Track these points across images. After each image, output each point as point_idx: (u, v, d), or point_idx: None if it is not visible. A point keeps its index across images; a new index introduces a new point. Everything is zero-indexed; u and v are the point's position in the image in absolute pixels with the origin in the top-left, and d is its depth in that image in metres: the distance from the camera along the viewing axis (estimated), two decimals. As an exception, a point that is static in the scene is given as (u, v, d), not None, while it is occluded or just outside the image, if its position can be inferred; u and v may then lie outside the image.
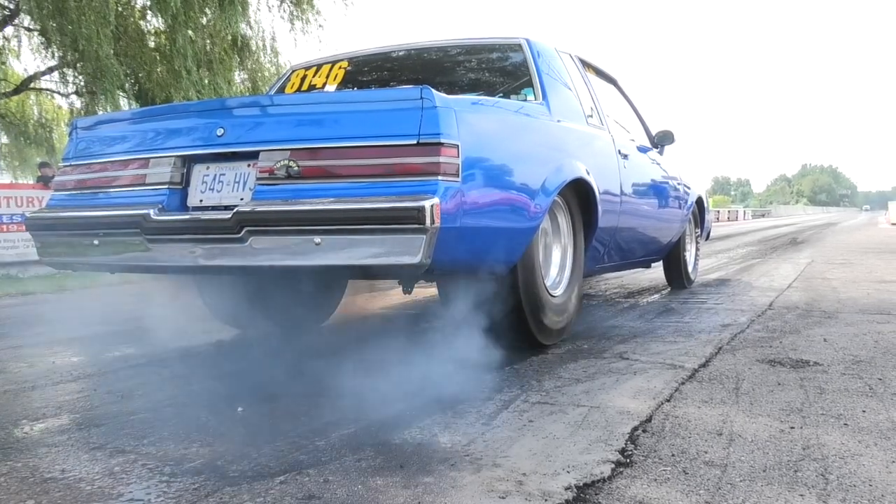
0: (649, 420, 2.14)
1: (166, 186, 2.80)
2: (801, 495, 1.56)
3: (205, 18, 15.89)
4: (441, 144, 2.41)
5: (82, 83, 17.57)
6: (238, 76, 18.82)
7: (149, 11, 15.98)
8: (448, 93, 2.62)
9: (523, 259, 2.94)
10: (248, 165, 2.69)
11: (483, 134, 2.70)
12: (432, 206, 2.30)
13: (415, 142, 2.42)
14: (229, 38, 16.48)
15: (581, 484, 1.64)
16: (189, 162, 2.82)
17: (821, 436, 1.97)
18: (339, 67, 4.16)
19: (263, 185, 2.58)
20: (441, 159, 2.40)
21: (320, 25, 17.50)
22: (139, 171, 2.89)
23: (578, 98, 3.84)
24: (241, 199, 2.64)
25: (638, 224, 4.30)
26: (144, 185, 2.86)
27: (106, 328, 4.33)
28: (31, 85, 17.84)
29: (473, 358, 2.78)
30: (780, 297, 5.02)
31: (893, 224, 22.14)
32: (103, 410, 2.42)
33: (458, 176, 2.45)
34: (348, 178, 2.48)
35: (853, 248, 10.79)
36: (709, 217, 6.31)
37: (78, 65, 15.29)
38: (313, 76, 4.19)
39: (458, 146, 2.46)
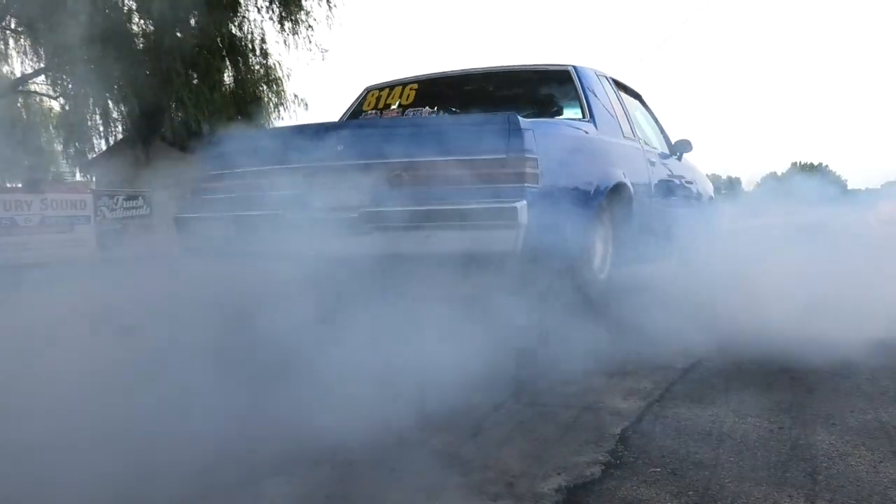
0: (640, 421, 2.16)
1: (293, 192, 3.41)
2: (790, 496, 1.58)
3: (193, 20, 15.84)
4: (525, 158, 3.11)
5: (70, 86, 17.50)
6: (227, 77, 18.78)
7: (135, 13, 15.92)
8: (507, 110, 3.31)
9: (580, 247, 3.50)
10: (363, 174, 3.30)
11: (553, 149, 3.36)
12: (522, 206, 3.00)
13: (504, 156, 3.12)
14: (218, 39, 16.43)
15: (571, 486, 1.65)
16: (310, 172, 3.43)
17: (809, 436, 1.99)
18: (411, 89, 4.83)
19: (380, 190, 3.24)
20: (526, 170, 3.10)
21: (309, 26, 17.47)
22: (270, 179, 3.53)
23: (615, 115, 4.46)
24: (360, 202, 3.26)
25: (662, 221, 4.72)
26: (275, 190, 3.47)
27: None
28: (19, 88, 17.74)
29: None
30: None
31: (882, 221, 22.12)
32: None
33: (538, 183, 3.13)
34: (449, 185, 3.13)
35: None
36: (719, 213, 6.84)
37: (66, 67, 15.21)
38: (387, 96, 4.85)
39: (537, 159, 3.14)
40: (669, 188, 5.02)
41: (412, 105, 4.64)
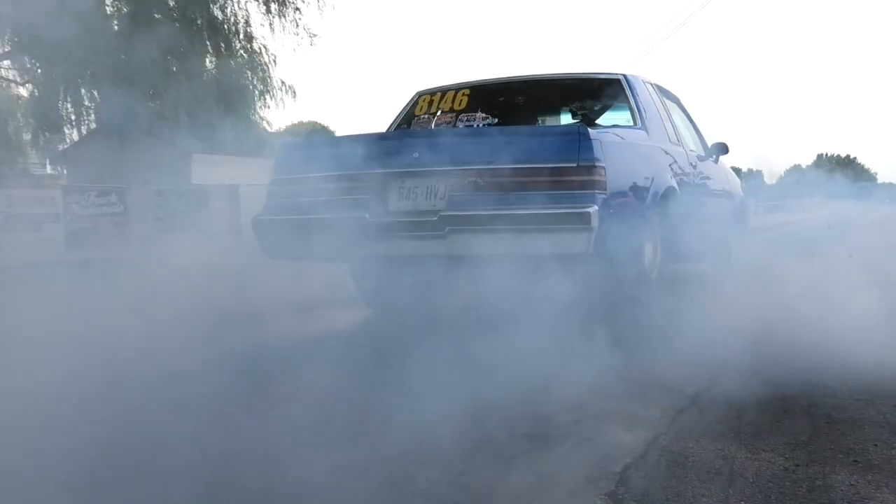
0: (643, 457, 2.13)
1: (371, 196, 3.92)
2: (804, 547, 1.54)
3: (171, 0, 15.80)
4: (595, 167, 3.56)
5: (39, 71, 17.44)
6: (209, 62, 18.74)
7: (111, -7, 15.88)
8: (558, 117, 4.18)
9: (638, 248, 3.97)
10: (438, 180, 3.81)
11: (617, 158, 3.81)
12: (594, 211, 3.46)
13: (575, 165, 3.57)
14: (199, 22, 16.38)
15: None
16: (388, 177, 3.93)
17: (828, 475, 1.96)
18: (463, 94, 5.18)
19: (456, 195, 3.75)
20: (596, 178, 3.55)
21: (297, 8, 17.43)
22: (349, 184, 3.98)
23: (662, 122, 4.92)
24: (435, 206, 3.78)
25: (702, 222, 5.07)
26: (354, 194, 3.95)
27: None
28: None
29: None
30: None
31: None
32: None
33: (606, 190, 3.58)
34: (524, 191, 3.58)
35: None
36: (750, 213, 7.59)
37: (34, 50, 15.15)
38: (439, 101, 5.21)
39: (605, 167, 3.59)
40: (709, 190, 5.50)
41: (465, 110, 5.04)
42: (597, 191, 3.55)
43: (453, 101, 5.18)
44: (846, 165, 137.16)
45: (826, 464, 2.05)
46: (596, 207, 3.47)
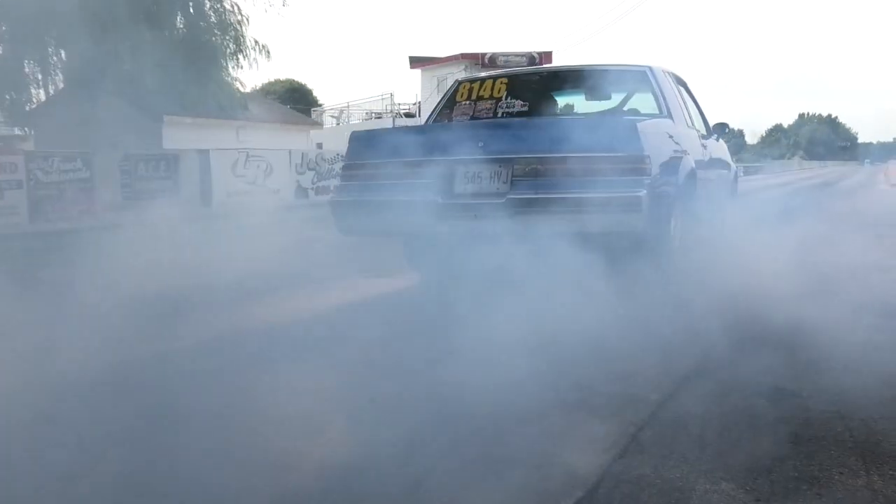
0: (596, 489, 2.00)
1: (438, 180, 4.41)
2: None
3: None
4: (644, 156, 4.16)
5: (2, 28, 16.89)
6: (179, 21, 18.23)
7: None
8: (587, 103, 5.03)
9: (672, 223, 4.58)
10: (502, 166, 4.33)
11: (657, 146, 4.41)
12: (644, 195, 4.05)
13: (626, 154, 4.15)
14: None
15: None
16: (454, 163, 4.43)
17: (789, 514, 1.84)
18: (501, 82, 5.69)
19: (519, 180, 4.29)
20: (644, 166, 4.14)
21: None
22: (418, 169, 4.48)
23: (681, 109, 5.48)
24: (499, 190, 4.31)
25: (711, 194, 5.79)
26: (423, 178, 4.43)
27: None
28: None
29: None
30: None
31: (893, 186, 22.07)
32: None
33: (650, 176, 4.15)
34: (578, 176, 4.12)
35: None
36: (738, 182, 8.21)
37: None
38: (479, 89, 5.71)
39: (650, 156, 4.19)
40: (714, 166, 6.11)
41: (503, 98, 5.55)
42: (644, 177, 4.12)
43: (492, 89, 5.66)
44: (828, 125, 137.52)
45: (789, 496, 1.93)
46: (645, 192, 4.06)
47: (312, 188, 16.99)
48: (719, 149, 6.55)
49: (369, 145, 4.92)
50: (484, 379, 2.86)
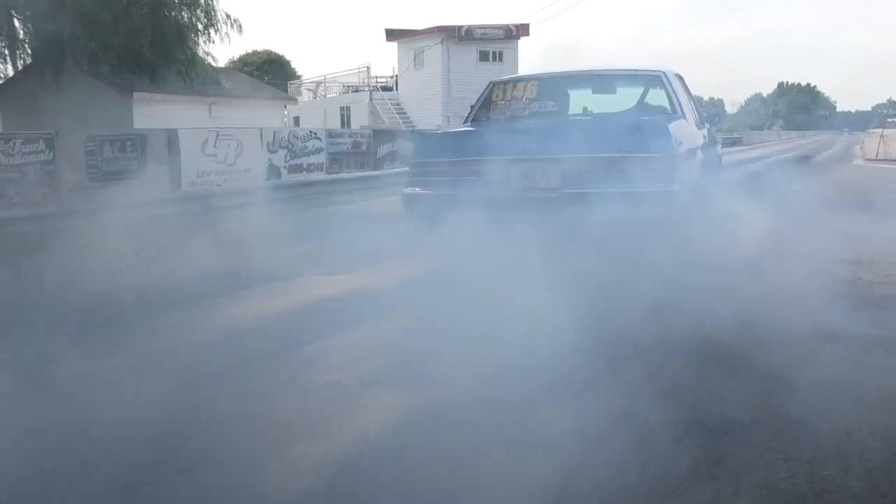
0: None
1: (499, 175, 5.09)
2: None
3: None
4: (674, 156, 4.93)
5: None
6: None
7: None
8: (608, 103, 5.97)
9: (689, 205, 5.19)
10: (553, 164, 5.04)
11: (681, 142, 5.21)
12: (676, 190, 4.85)
13: (660, 154, 4.85)
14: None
15: None
16: (510, 162, 5.12)
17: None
18: (532, 84, 6.32)
19: (568, 177, 4.96)
20: (674, 164, 4.89)
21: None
22: (481, 167, 5.15)
23: (688, 107, 6.24)
24: (550, 185, 5.05)
25: (706, 172, 6.33)
26: (483, 174, 5.11)
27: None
28: None
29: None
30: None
31: (870, 160, 21.99)
32: None
33: (679, 170, 4.92)
34: (618, 171, 4.81)
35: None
36: (721, 160, 8.94)
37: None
38: (512, 90, 6.38)
39: (679, 155, 5.01)
40: (709, 152, 6.77)
41: (536, 99, 6.23)
42: (675, 172, 4.89)
43: (525, 91, 6.28)
44: (807, 94, 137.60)
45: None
46: (677, 186, 4.85)
47: (285, 167, 16.66)
48: (711, 136, 7.47)
49: (434, 146, 5.93)
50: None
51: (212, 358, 3.58)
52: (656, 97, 6.11)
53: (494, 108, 6.31)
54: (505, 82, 6.55)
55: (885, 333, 3.72)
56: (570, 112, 6.36)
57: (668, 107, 5.94)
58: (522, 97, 6.22)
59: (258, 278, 5.39)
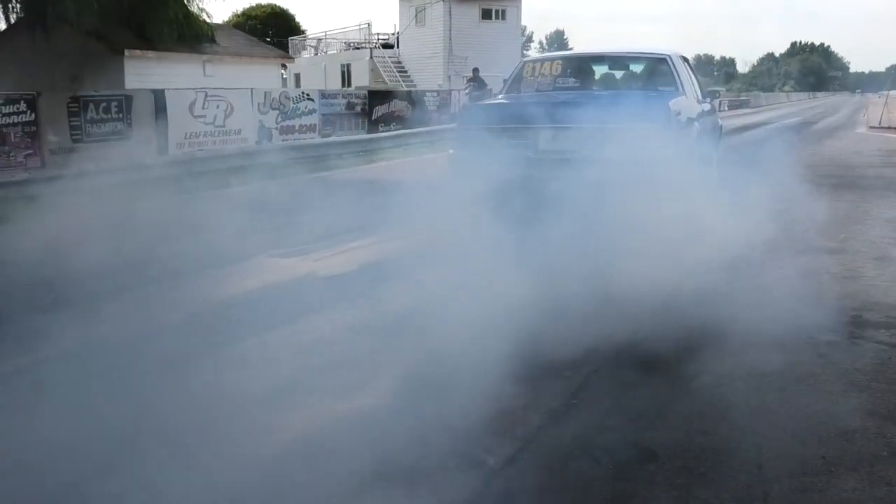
0: None
1: (528, 140, 6.02)
2: None
3: None
4: (673, 127, 5.84)
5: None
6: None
7: None
8: (620, 81, 7.29)
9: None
10: (573, 130, 5.84)
11: (680, 116, 6.14)
12: (672, 154, 5.52)
13: (663, 126, 5.70)
14: None
15: None
16: (537, 129, 5.93)
17: None
18: (557, 63, 7.49)
19: (583, 142, 5.69)
20: (674, 133, 5.76)
21: None
22: (512, 133, 6.14)
23: (689, 85, 7.24)
24: (570, 147, 5.78)
25: (707, 141, 7.23)
26: (519, 139, 6.07)
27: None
28: None
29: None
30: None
31: (873, 128, 21.40)
32: None
33: (676, 140, 5.75)
34: (632, 140, 5.41)
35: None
36: (722, 131, 9.60)
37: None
38: (540, 68, 7.50)
39: (678, 127, 5.94)
40: (707, 123, 7.54)
41: (560, 75, 7.29)
42: (673, 138, 5.70)
43: (551, 68, 7.38)
44: (820, 54, 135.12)
45: None
46: (674, 150, 5.57)
47: (276, 128, 16.41)
48: (711, 109, 8.14)
49: (474, 115, 7.28)
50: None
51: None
52: (662, 76, 7.05)
53: (524, 82, 7.40)
54: (534, 61, 7.88)
55: (829, 339, 3.56)
56: (589, 88, 7.21)
57: (671, 84, 6.85)
58: (549, 74, 7.33)
59: (210, 263, 5.24)
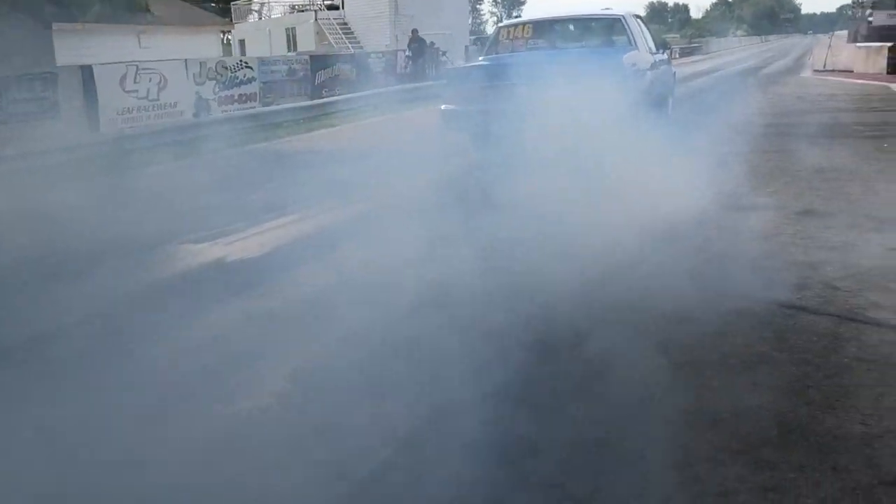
0: None
1: (506, 94, 6.83)
2: None
3: None
4: (626, 77, 7.16)
5: None
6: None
7: None
8: (583, 39, 8.77)
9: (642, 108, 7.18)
10: (544, 85, 6.25)
11: (634, 66, 7.59)
12: (630, 100, 6.70)
13: (618, 77, 6.82)
14: None
15: None
16: (512, 84, 6.94)
17: None
18: (527, 27, 8.87)
19: (542, 98, 6.13)
20: (627, 83, 7.04)
21: None
22: (492, 88, 7.20)
23: (642, 39, 8.46)
24: (541, 98, 6.17)
25: (660, 87, 8.61)
26: (493, 92, 7.12)
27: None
28: None
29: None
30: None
31: (817, 71, 21.47)
32: None
33: (633, 88, 7.18)
34: (591, 88, 5.94)
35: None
36: (675, 79, 10.98)
37: None
38: (513, 31, 8.92)
39: (631, 77, 7.36)
40: (661, 71, 8.84)
41: (530, 37, 8.66)
42: (629, 86, 6.91)
43: (522, 32, 8.74)
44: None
45: None
46: (630, 97, 6.56)
47: (215, 99, 15.92)
48: (663, 59, 9.33)
49: (461, 75, 8.82)
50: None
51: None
52: (618, 33, 8.39)
53: (500, 45, 8.80)
54: (508, 26, 9.38)
55: (738, 306, 3.46)
56: (556, 47, 8.46)
57: (625, 40, 8.17)
58: (521, 37, 8.68)
59: (115, 253, 5.00)
